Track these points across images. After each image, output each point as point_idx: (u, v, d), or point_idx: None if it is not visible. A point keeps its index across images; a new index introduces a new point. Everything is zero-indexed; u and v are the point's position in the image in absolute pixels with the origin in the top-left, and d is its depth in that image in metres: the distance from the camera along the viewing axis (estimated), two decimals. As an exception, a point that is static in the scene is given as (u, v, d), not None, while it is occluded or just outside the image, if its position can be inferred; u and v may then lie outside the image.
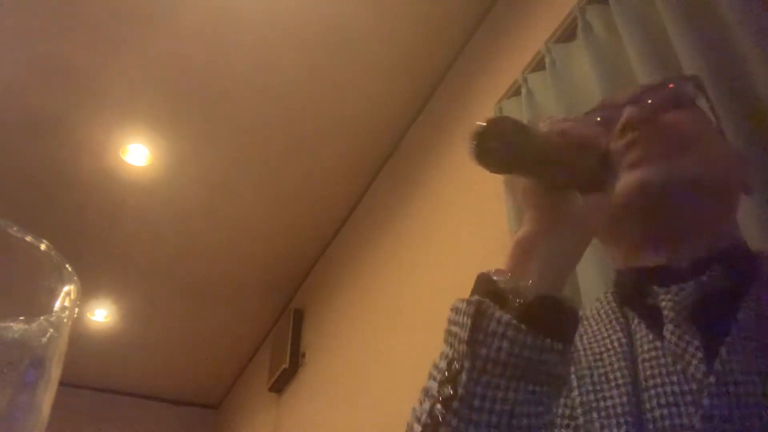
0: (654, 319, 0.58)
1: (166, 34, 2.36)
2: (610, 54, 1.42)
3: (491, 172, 0.48)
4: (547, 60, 1.62)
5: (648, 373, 0.55)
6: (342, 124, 2.72)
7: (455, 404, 0.45)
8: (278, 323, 3.79)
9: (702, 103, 0.72)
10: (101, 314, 3.88)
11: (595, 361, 0.59)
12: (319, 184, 3.03)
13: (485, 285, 0.51)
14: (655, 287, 0.59)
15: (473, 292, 0.51)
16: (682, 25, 1.19)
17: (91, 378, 4.26)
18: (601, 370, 0.58)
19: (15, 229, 0.32)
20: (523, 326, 0.46)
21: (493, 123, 0.47)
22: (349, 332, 2.88)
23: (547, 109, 1.61)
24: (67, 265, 0.33)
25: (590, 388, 0.57)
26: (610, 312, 0.64)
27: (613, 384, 0.56)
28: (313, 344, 3.30)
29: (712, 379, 0.51)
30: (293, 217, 3.22)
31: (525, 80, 1.71)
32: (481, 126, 0.47)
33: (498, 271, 0.52)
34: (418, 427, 0.48)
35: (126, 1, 2.27)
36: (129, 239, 3.29)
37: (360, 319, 2.81)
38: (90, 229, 3.17)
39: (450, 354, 0.49)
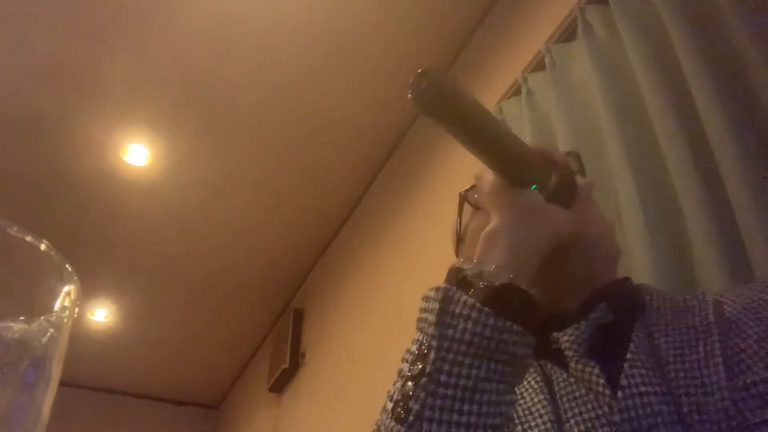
0: (562, 361, 0.64)
1: (166, 34, 2.37)
2: (610, 54, 1.42)
3: (423, 113, 0.54)
4: (547, 60, 1.62)
5: (566, 405, 0.60)
6: (342, 125, 2.72)
7: (423, 380, 0.50)
8: (278, 323, 3.79)
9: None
10: (101, 314, 3.88)
11: (519, 398, 0.64)
12: (319, 184, 3.03)
13: (454, 273, 0.56)
14: (554, 333, 0.65)
15: (445, 281, 0.56)
16: (682, 25, 1.19)
17: (91, 378, 4.26)
18: (524, 406, 0.63)
19: (15, 229, 0.32)
20: (486, 308, 0.52)
21: (427, 69, 0.53)
22: (349, 332, 2.88)
23: (547, 109, 1.61)
24: (67, 265, 0.33)
25: (516, 421, 0.62)
26: None
27: (536, 414, 0.62)
28: (313, 344, 3.30)
29: (619, 394, 0.56)
30: (293, 217, 3.22)
31: (525, 80, 1.71)
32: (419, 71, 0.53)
33: (466, 260, 0.58)
34: (389, 404, 0.52)
35: (126, 2, 2.27)
36: (129, 239, 3.29)
37: (360, 319, 2.81)
38: (90, 229, 3.17)
39: (420, 338, 0.54)
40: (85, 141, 2.76)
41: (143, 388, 4.60)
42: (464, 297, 0.53)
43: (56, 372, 0.32)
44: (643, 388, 0.56)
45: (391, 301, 2.49)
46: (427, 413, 0.49)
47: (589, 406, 0.58)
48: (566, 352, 0.63)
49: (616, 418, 0.55)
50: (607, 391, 0.58)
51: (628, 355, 0.59)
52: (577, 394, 0.60)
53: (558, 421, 0.60)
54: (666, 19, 1.23)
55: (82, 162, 2.85)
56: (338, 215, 3.22)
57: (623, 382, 0.57)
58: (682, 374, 0.57)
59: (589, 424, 0.57)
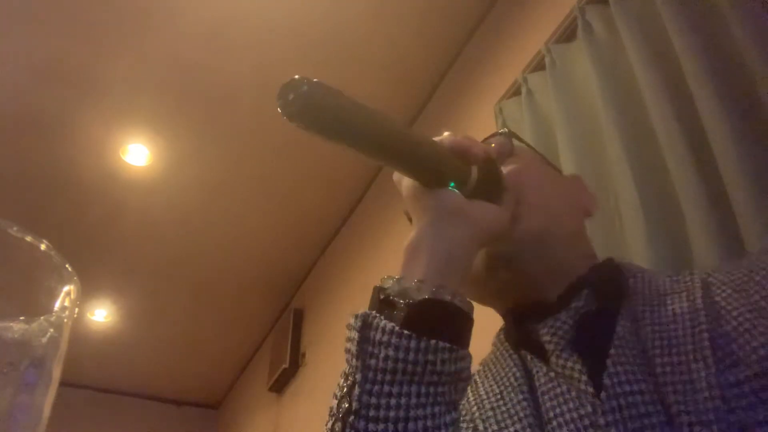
0: (543, 354, 0.60)
1: (166, 34, 2.36)
2: (610, 54, 1.42)
3: (293, 123, 0.49)
4: (547, 60, 1.61)
5: (548, 404, 0.56)
6: (342, 124, 2.72)
7: (351, 418, 0.47)
8: (278, 323, 3.79)
9: (523, 147, 0.75)
10: (101, 314, 3.88)
11: (497, 400, 0.61)
12: (319, 184, 3.03)
13: (376, 294, 0.53)
14: (533, 324, 0.61)
15: (369, 305, 0.53)
16: (682, 25, 1.19)
17: (91, 378, 4.26)
18: (503, 408, 0.59)
19: (15, 229, 0.32)
20: (405, 332, 0.48)
21: (293, 79, 0.48)
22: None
23: (547, 109, 1.61)
24: (67, 265, 0.33)
25: (495, 426, 0.58)
26: (504, 352, 0.67)
27: (515, 418, 0.58)
28: (313, 344, 3.30)
29: (603, 395, 0.53)
30: (293, 217, 3.22)
31: (525, 80, 1.71)
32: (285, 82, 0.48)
33: (388, 278, 0.54)
34: None
35: (126, 2, 2.27)
36: (129, 239, 3.28)
37: (360, 319, 2.81)
38: (90, 229, 3.17)
39: (346, 371, 0.50)
40: (85, 141, 2.76)
41: (143, 388, 4.59)
42: (383, 322, 0.49)
43: (56, 372, 0.32)
44: (627, 387, 0.53)
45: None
46: None
47: (571, 405, 0.55)
48: (546, 346, 0.59)
49: (601, 420, 0.52)
50: (590, 389, 0.54)
51: (612, 350, 0.55)
52: (558, 391, 0.56)
53: (539, 424, 0.56)
54: (666, 19, 1.23)
55: (82, 162, 2.85)
56: (338, 215, 3.22)
57: (606, 381, 0.53)
58: (669, 368, 0.53)
59: (572, 426, 0.53)
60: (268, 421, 3.66)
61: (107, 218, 3.13)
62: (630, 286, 0.63)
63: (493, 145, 0.69)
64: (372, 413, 0.47)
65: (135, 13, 2.29)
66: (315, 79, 0.48)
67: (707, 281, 0.60)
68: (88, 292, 3.54)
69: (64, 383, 0.35)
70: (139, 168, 2.90)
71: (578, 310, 0.60)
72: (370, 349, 0.49)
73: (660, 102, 1.20)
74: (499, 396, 0.61)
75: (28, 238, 0.32)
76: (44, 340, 0.31)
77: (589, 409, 0.53)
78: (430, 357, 0.48)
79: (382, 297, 0.52)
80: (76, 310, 0.34)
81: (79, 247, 3.17)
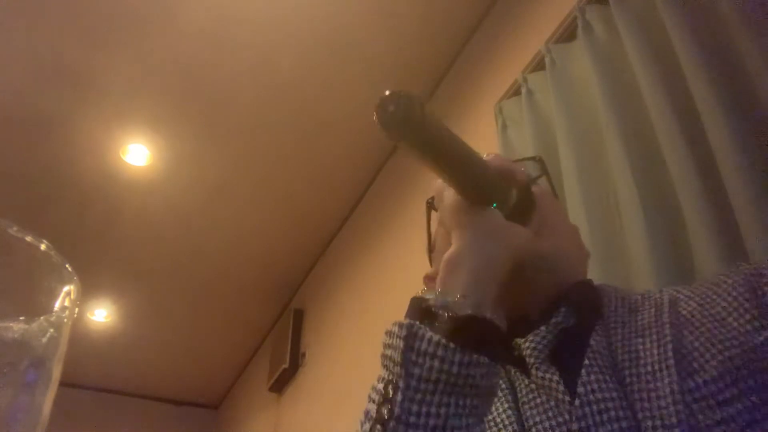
0: (524, 367, 0.64)
1: (167, 34, 2.36)
2: (610, 54, 1.42)
3: (388, 137, 0.51)
4: (547, 60, 1.62)
5: (528, 413, 0.60)
6: (342, 124, 2.72)
7: (392, 423, 0.49)
8: (278, 323, 3.79)
9: (543, 181, 0.80)
10: (101, 314, 3.88)
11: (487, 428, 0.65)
12: (319, 184, 3.03)
13: (416, 304, 0.56)
14: (516, 340, 0.64)
15: (407, 314, 0.56)
16: (682, 25, 1.19)
17: (91, 378, 4.26)
18: (491, 416, 0.62)
19: (15, 229, 0.32)
20: (451, 345, 0.50)
21: (394, 92, 0.51)
22: (349, 332, 2.88)
23: (547, 109, 1.61)
24: (67, 265, 0.33)
25: None
26: None
27: (501, 426, 0.61)
28: (313, 344, 3.30)
29: (576, 402, 0.56)
30: (293, 217, 3.22)
31: (525, 80, 1.71)
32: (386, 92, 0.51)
33: (429, 290, 0.57)
34: None
35: (126, 1, 2.27)
36: (129, 239, 3.29)
37: (360, 319, 2.81)
38: (90, 229, 3.17)
39: (386, 376, 0.52)
40: (85, 141, 2.76)
41: (143, 388, 4.60)
42: (429, 333, 0.51)
43: (56, 372, 0.32)
44: (599, 395, 0.56)
45: (391, 301, 2.49)
46: None
47: (550, 413, 0.58)
48: (528, 360, 0.62)
49: (574, 426, 0.55)
50: (567, 398, 0.58)
51: (586, 361, 0.59)
52: (538, 401, 0.60)
53: (520, 426, 0.60)
54: (666, 19, 1.23)
55: (82, 162, 2.85)
56: (338, 215, 3.22)
57: (580, 389, 0.57)
58: (635, 378, 0.57)
59: None
60: (268, 421, 3.66)
61: (107, 218, 3.14)
62: (605, 304, 0.67)
63: (523, 169, 0.73)
64: (412, 419, 0.49)
65: (135, 13, 2.29)
66: (411, 93, 0.51)
67: (675, 297, 0.64)
68: (88, 292, 3.54)
69: (64, 383, 0.35)
70: (139, 168, 2.90)
71: (557, 325, 0.63)
72: (414, 357, 0.51)
73: (659, 102, 1.20)
74: None
75: (28, 238, 0.32)
76: (44, 340, 0.31)
77: (567, 416, 0.57)
78: (472, 371, 0.51)
79: (423, 307, 0.55)
80: (76, 310, 0.34)
81: (79, 247, 3.17)
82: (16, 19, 2.28)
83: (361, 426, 0.52)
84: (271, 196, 3.09)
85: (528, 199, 0.65)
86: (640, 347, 0.59)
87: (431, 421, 0.49)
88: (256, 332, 4.02)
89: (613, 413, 0.55)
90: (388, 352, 0.53)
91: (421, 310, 0.55)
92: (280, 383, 3.47)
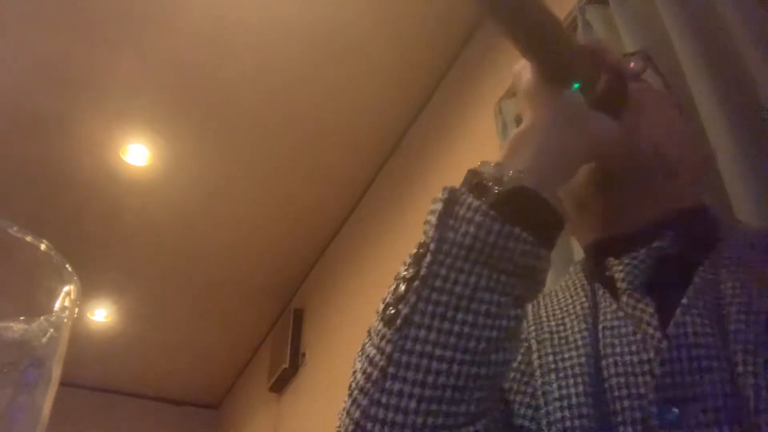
0: (614, 290, 0.57)
1: (167, 34, 2.36)
2: (610, 54, 1.42)
3: (479, 5, 0.49)
4: (547, 60, 1.61)
5: (608, 341, 0.54)
6: (342, 125, 2.72)
7: (416, 283, 0.46)
8: (278, 323, 3.79)
9: (652, 75, 0.72)
10: (101, 314, 3.88)
11: (557, 326, 0.59)
12: (319, 184, 3.03)
13: (470, 176, 0.51)
14: (610, 259, 0.58)
15: (461, 184, 0.51)
16: (682, 24, 1.19)
17: (91, 378, 4.26)
18: (562, 334, 0.57)
19: (15, 229, 0.32)
20: (492, 212, 0.46)
21: None
22: (349, 332, 2.88)
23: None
24: (67, 265, 0.33)
25: (550, 350, 0.57)
26: (577, 282, 0.64)
27: (572, 345, 0.56)
28: (313, 344, 3.30)
29: (664, 344, 0.50)
30: (293, 217, 3.22)
31: (525, 80, 1.71)
32: None
33: (486, 163, 0.51)
34: (381, 306, 0.48)
35: (126, 1, 2.27)
36: (129, 239, 3.29)
37: (360, 319, 2.81)
38: (90, 229, 3.17)
39: (422, 240, 0.49)
40: (85, 141, 2.76)
41: (143, 388, 4.60)
42: (470, 199, 0.47)
43: (56, 372, 0.32)
44: (692, 339, 0.49)
45: (391, 301, 2.49)
46: (417, 318, 0.45)
47: (633, 348, 0.52)
48: (619, 284, 0.56)
49: (657, 370, 0.49)
50: (658, 334, 0.51)
51: (684, 300, 0.52)
52: (623, 330, 0.53)
53: (595, 357, 0.54)
54: (665, 19, 1.23)
55: (82, 162, 2.85)
56: (338, 215, 3.22)
57: (671, 330, 0.50)
58: (743, 326, 0.49)
59: (629, 369, 0.51)
60: (268, 421, 3.66)
61: (107, 218, 3.13)
62: (722, 237, 0.59)
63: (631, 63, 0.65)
64: (438, 283, 0.46)
65: (135, 13, 2.29)
66: None
67: None
68: (88, 292, 3.54)
69: (64, 383, 0.35)
70: (139, 168, 2.90)
71: (659, 250, 0.56)
72: (451, 222, 0.47)
73: (660, 102, 1.20)
74: (560, 322, 0.59)
75: (28, 238, 0.32)
76: (44, 340, 0.31)
77: (652, 355, 0.51)
78: (510, 244, 0.46)
79: (475, 181, 0.49)
80: (76, 310, 0.34)
81: (79, 247, 3.17)
82: (16, 19, 2.28)
83: (389, 288, 0.49)
84: (272, 196, 3.09)
85: (619, 88, 0.57)
86: (755, 295, 0.51)
87: (458, 289, 0.45)
88: (256, 332, 4.02)
89: (705, 362, 0.48)
90: (428, 217, 0.49)
91: (471, 182, 0.50)
92: (280, 383, 3.47)
